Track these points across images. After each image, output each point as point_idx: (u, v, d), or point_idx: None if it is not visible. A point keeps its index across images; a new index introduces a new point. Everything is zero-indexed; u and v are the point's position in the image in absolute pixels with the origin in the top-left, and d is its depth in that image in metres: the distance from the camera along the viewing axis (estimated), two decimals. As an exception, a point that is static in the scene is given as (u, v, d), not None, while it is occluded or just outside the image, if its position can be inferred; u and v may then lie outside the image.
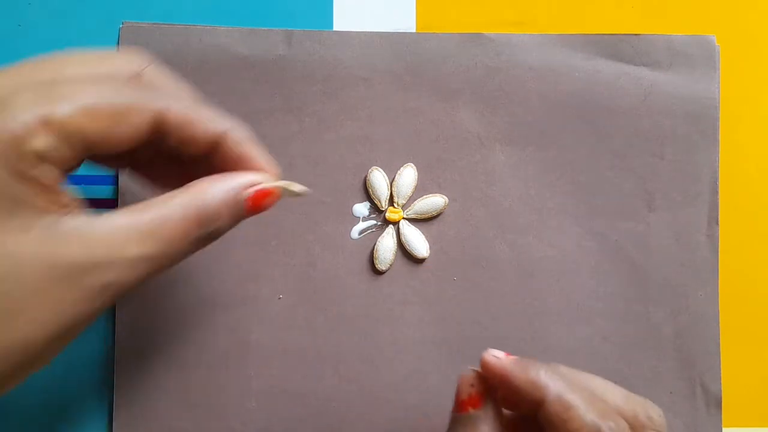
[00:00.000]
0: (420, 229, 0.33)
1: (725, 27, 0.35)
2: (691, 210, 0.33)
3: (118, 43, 0.32)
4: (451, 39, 0.33)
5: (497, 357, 0.24)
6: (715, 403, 0.33)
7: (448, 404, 0.32)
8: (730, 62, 0.34)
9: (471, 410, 0.24)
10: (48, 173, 0.23)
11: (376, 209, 0.33)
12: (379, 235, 0.32)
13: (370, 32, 0.33)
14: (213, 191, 0.25)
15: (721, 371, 0.33)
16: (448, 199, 0.33)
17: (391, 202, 0.33)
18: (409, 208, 0.33)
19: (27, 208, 0.22)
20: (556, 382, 0.23)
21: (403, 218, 0.33)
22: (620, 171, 0.33)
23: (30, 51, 0.32)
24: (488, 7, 0.34)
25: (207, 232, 0.25)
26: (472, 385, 0.24)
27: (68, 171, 0.23)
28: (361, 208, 0.32)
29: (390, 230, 0.33)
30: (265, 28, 0.33)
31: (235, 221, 0.26)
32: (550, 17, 0.34)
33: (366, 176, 0.33)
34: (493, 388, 0.24)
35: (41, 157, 0.22)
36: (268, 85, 0.32)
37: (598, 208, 0.33)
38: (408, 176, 0.32)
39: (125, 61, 0.26)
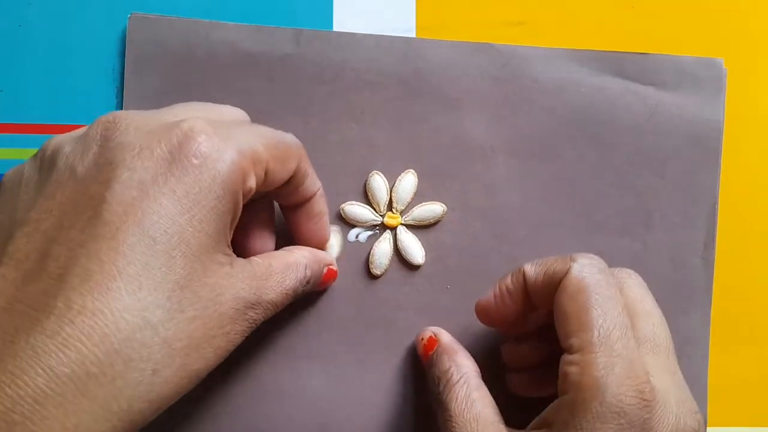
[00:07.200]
0: (417, 236, 0.33)
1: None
2: (688, 232, 0.33)
3: (124, 35, 0.32)
4: (459, 47, 0.33)
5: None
6: (699, 424, 0.33)
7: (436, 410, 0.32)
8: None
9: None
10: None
11: (374, 213, 0.33)
12: (376, 240, 0.33)
13: (379, 35, 0.33)
14: (317, 264, 0.29)
15: (708, 372, 0.33)
16: (447, 207, 0.33)
17: (390, 207, 0.33)
18: (408, 214, 0.33)
19: (226, 244, 0.23)
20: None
21: (401, 224, 0.33)
22: (620, 188, 0.33)
23: (30, 51, 0.32)
24: (488, 8, 0.34)
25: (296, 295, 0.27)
26: (422, 339, 0.30)
27: None
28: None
29: (387, 235, 0.33)
30: (274, 27, 0.32)
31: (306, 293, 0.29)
32: (551, 19, 0.34)
33: (366, 180, 0.33)
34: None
35: (245, 195, 0.23)
36: (274, 83, 0.32)
37: (595, 224, 0.33)
38: (408, 182, 0.32)
39: (235, 111, 0.27)
